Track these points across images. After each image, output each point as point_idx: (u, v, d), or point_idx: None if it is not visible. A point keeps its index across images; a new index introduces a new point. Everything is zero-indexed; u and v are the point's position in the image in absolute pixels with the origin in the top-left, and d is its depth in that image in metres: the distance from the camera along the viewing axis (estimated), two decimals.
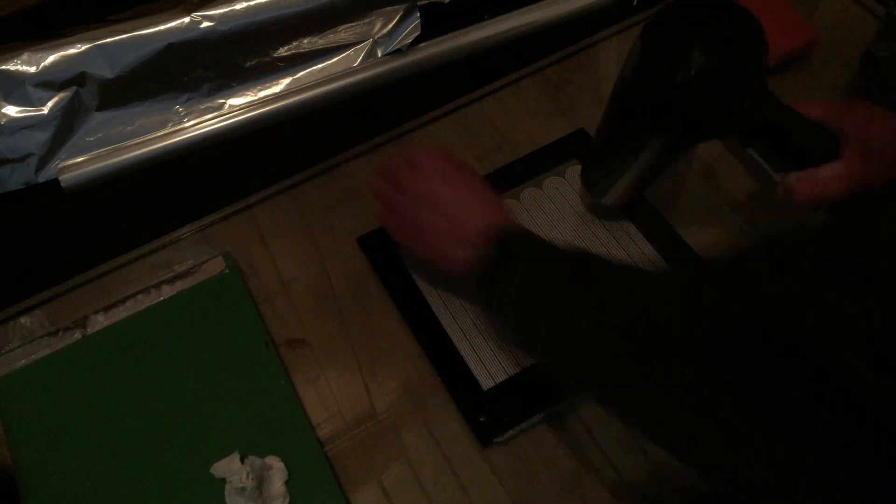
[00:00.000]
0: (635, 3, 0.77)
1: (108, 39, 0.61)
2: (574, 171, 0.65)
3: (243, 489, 0.49)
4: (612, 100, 0.51)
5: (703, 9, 0.44)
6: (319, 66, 0.68)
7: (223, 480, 0.51)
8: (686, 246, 0.60)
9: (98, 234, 0.65)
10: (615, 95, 0.51)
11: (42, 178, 0.62)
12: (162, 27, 0.61)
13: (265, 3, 0.63)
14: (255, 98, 0.67)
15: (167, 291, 0.59)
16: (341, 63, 0.68)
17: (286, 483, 0.51)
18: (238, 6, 0.63)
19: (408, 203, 0.52)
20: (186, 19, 0.62)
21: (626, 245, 0.61)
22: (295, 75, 0.68)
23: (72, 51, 0.60)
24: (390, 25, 0.68)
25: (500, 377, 0.55)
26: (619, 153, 0.54)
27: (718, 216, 0.64)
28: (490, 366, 0.55)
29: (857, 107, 0.49)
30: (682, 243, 0.60)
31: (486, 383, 0.55)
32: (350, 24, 0.68)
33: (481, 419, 0.53)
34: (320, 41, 0.67)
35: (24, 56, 0.60)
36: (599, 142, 0.57)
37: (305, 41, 0.67)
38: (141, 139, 0.64)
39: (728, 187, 0.66)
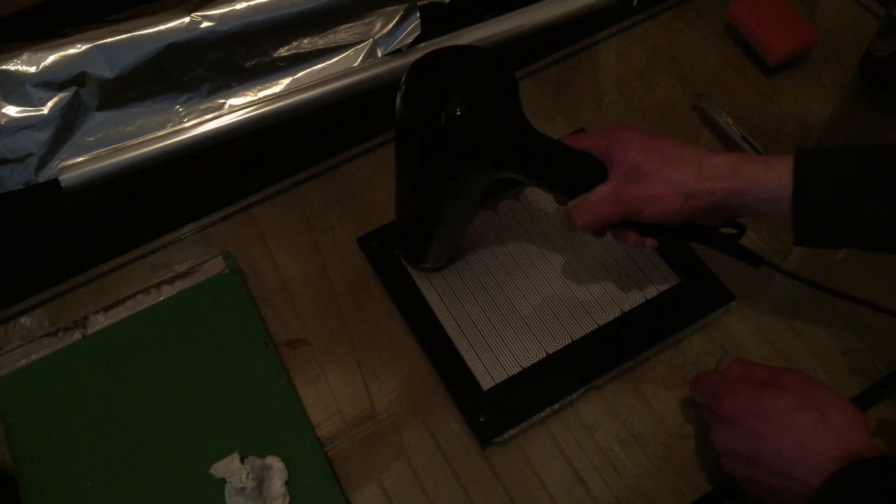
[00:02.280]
0: (635, 3, 0.77)
1: (108, 39, 0.61)
2: (505, 203, 0.65)
3: (243, 489, 0.49)
4: (397, 172, 0.52)
5: (455, 58, 0.47)
6: (319, 66, 0.68)
7: (223, 480, 0.51)
8: (688, 249, 0.60)
9: (98, 234, 0.65)
10: (397, 160, 0.51)
11: (42, 178, 0.62)
12: (162, 27, 0.61)
13: (265, 3, 0.63)
14: (255, 98, 0.67)
15: (167, 291, 0.59)
16: (341, 63, 0.68)
17: (286, 483, 0.51)
18: (238, 6, 0.63)
19: (752, 419, 0.45)
20: (186, 19, 0.62)
21: (626, 245, 0.61)
22: (295, 75, 0.68)
23: (72, 51, 0.60)
24: (390, 25, 0.68)
25: (500, 377, 0.55)
26: (419, 220, 0.54)
27: None
28: (490, 366, 0.55)
29: (619, 131, 0.49)
30: (685, 247, 0.60)
31: (486, 383, 0.55)
32: (350, 24, 0.68)
33: (481, 419, 0.53)
34: (320, 41, 0.67)
35: (24, 56, 0.60)
36: (400, 217, 0.57)
37: (305, 41, 0.67)
38: (141, 139, 0.64)
39: None
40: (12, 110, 0.60)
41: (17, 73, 0.60)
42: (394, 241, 0.61)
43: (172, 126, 0.65)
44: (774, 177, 0.46)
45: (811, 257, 0.55)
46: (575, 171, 0.50)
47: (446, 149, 0.46)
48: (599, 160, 0.50)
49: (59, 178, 0.62)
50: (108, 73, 0.61)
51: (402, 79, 0.45)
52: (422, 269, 0.60)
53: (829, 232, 0.46)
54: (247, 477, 0.49)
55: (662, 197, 0.47)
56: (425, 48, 0.69)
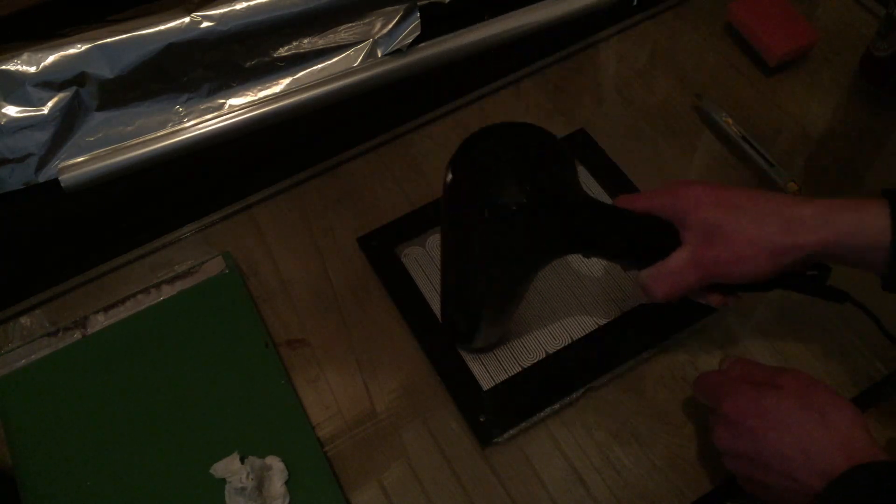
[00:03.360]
0: (635, 3, 0.77)
1: (108, 39, 0.61)
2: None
3: (243, 489, 0.49)
4: (444, 258, 0.49)
5: (507, 137, 0.42)
6: (319, 66, 0.68)
7: (223, 480, 0.51)
8: None
9: (98, 234, 0.65)
10: (444, 250, 0.48)
11: (42, 178, 0.62)
12: (162, 27, 0.61)
13: (265, 3, 0.63)
14: (255, 98, 0.67)
15: (167, 291, 0.59)
16: (341, 63, 0.68)
17: (286, 483, 0.51)
18: (238, 6, 0.63)
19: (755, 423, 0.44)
20: (186, 19, 0.62)
21: None
22: (295, 75, 0.68)
23: (72, 51, 0.60)
24: (390, 25, 0.68)
25: (500, 377, 0.55)
26: (468, 307, 0.50)
27: None
28: (490, 366, 0.55)
29: (686, 187, 0.46)
30: None
31: (486, 383, 0.55)
32: (350, 24, 0.68)
33: (481, 419, 0.53)
34: (320, 41, 0.67)
35: (24, 56, 0.60)
36: (448, 303, 0.53)
37: (305, 41, 0.67)
38: (141, 139, 0.64)
39: (698, 156, 0.66)
40: (12, 110, 0.60)
41: (17, 73, 0.60)
42: (440, 325, 0.57)
43: (172, 126, 0.65)
44: (870, 224, 0.42)
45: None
46: (646, 241, 0.46)
47: (507, 241, 0.42)
48: (668, 223, 0.46)
49: (59, 178, 0.62)
50: (108, 73, 0.61)
51: (450, 162, 0.41)
52: (471, 350, 0.56)
53: None
54: (247, 477, 0.49)
55: (749, 258, 0.44)
56: (425, 48, 0.69)
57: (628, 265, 0.49)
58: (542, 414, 0.54)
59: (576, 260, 0.60)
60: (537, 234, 0.43)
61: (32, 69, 0.60)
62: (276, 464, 0.51)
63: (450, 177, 0.41)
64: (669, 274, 0.46)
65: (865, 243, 0.43)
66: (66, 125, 0.62)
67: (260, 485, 0.50)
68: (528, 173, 0.41)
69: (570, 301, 0.58)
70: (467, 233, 0.43)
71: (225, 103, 0.66)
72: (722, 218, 0.45)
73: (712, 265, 0.45)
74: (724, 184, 0.47)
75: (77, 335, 0.57)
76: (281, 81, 0.67)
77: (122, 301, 0.59)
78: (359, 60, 0.69)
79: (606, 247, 0.46)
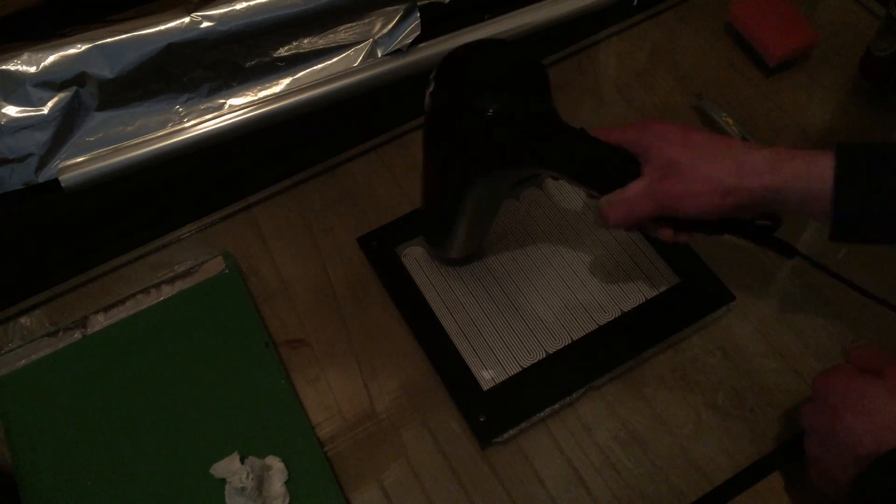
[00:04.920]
0: (635, 3, 0.78)
1: (108, 39, 0.61)
2: (529, 192, 0.65)
3: (243, 489, 0.49)
4: (424, 158, 0.52)
5: (486, 52, 0.46)
6: (319, 66, 0.68)
7: (223, 480, 0.51)
8: (688, 248, 0.60)
9: (98, 234, 0.65)
10: (425, 152, 0.51)
11: (42, 178, 0.62)
12: (162, 27, 0.61)
13: (265, 3, 0.63)
14: (255, 98, 0.67)
15: (167, 291, 0.59)
16: (341, 63, 0.68)
17: (286, 483, 0.51)
18: (238, 6, 0.63)
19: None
20: (186, 19, 0.62)
21: (626, 244, 0.61)
22: (295, 75, 0.68)
23: (72, 51, 0.60)
24: (390, 25, 0.68)
25: (500, 377, 0.55)
26: (446, 209, 0.53)
27: None
28: (490, 366, 0.55)
29: (654, 125, 0.49)
30: (685, 247, 0.60)
31: (486, 383, 0.55)
32: (350, 24, 0.68)
33: (481, 419, 0.53)
34: (320, 41, 0.67)
35: (24, 56, 0.60)
36: (426, 208, 0.57)
37: (305, 41, 0.67)
38: (141, 139, 0.64)
39: None
40: (12, 110, 0.60)
41: (17, 73, 0.60)
42: (416, 230, 0.61)
43: (172, 126, 0.65)
44: (817, 174, 0.44)
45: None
46: (608, 167, 0.49)
47: (477, 146, 0.45)
48: (633, 155, 0.49)
49: (59, 178, 0.62)
50: (108, 73, 0.61)
51: (433, 73, 0.45)
52: (446, 259, 0.60)
53: (868, 228, 0.45)
54: (247, 477, 0.50)
55: (699, 194, 0.46)
56: (425, 48, 0.69)
57: (591, 191, 0.51)
58: (542, 414, 0.54)
59: (576, 259, 0.60)
60: (509, 143, 0.45)
61: (32, 69, 0.60)
62: (276, 464, 0.51)
63: (433, 85, 0.45)
64: (625, 201, 0.48)
65: (810, 191, 0.45)
66: (66, 125, 0.62)
67: (260, 485, 0.50)
68: (506, 83, 0.44)
69: (571, 301, 0.58)
70: (446, 138, 0.46)
71: (225, 103, 0.66)
72: (680, 155, 0.47)
73: (665, 198, 0.47)
74: (691, 125, 0.49)
75: (77, 335, 0.57)
76: (281, 81, 0.67)
77: (122, 301, 0.59)
78: (359, 60, 0.69)
79: (571, 167, 0.49)
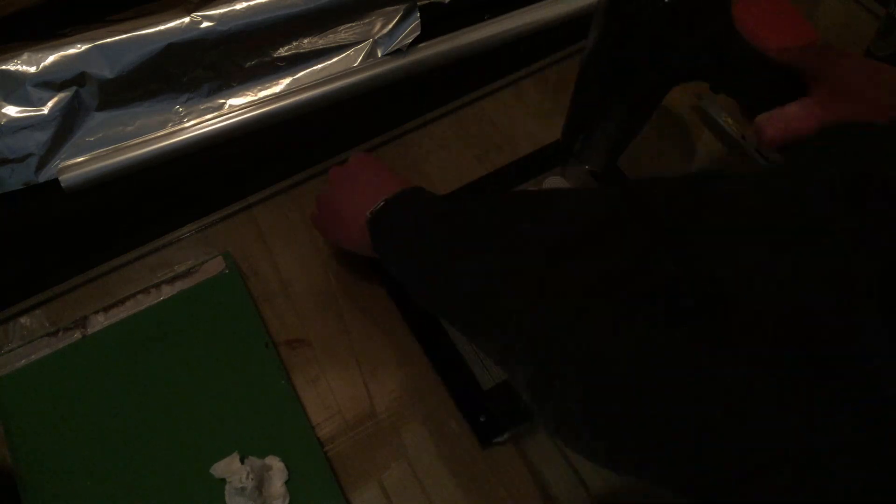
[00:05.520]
0: None
1: (108, 39, 0.61)
2: (574, 171, 0.65)
3: (243, 489, 0.49)
4: (587, 58, 0.52)
5: None
6: (319, 66, 0.68)
7: (223, 480, 0.51)
8: None
9: (98, 234, 0.65)
10: (589, 54, 0.52)
11: (42, 178, 0.62)
12: (162, 27, 0.61)
13: (265, 3, 0.63)
14: (255, 98, 0.67)
15: (167, 291, 0.59)
16: (341, 63, 0.68)
17: (286, 483, 0.51)
18: (238, 6, 0.63)
19: (328, 191, 0.56)
20: (186, 19, 0.62)
21: None
22: (295, 75, 0.68)
23: (72, 51, 0.60)
24: (390, 25, 0.68)
25: (501, 377, 0.55)
26: (598, 111, 0.54)
27: None
28: (490, 366, 0.55)
29: (829, 48, 0.48)
30: None
31: (486, 383, 0.55)
32: (350, 24, 0.68)
33: (481, 419, 0.53)
34: (320, 41, 0.67)
35: (24, 56, 0.60)
36: (577, 106, 0.57)
37: (305, 41, 0.67)
38: (141, 139, 0.64)
39: (698, 156, 0.66)
40: (12, 110, 0.60)
41: (17, 73, 0.60)
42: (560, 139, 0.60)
43: (172, 126, 0.65)
44: None
45: None
46: (772, 84, 0.48)
47: (651, 37, 0.45)
48: (800, 75, 0.48)
49: (59, 178, 0.62)
50: (108, 73, 0.61)
51: None
52: (588, 165, 0.60)
53: None
54: (247, 477, 0.49)
55: (865, 118, 0.44)
56: (425, 48, 0.69)
57: (748, 106, 0.50)
58: None
59: None
60: (678, 40, 0.46)
61: (32, 69, 0.60)
62: (276, 464, 0.51)
63: None
64: (785, 119, 0.47)
65: None
66: (66, 125, 0.62)
67: (260, 485, 0.50)
68: None
69: None
70: (616, 30, 0.47)
71: (225, 103, 0.66)
72: (853, 79, 0.45)
73: (828, 118, 0.45)
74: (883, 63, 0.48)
75: (77, 335, 0.57)
76: (281, 81, 0.67)
77: (122, 301, 0.59)
78: (359, 60, 0.69)
79: (734, 75, 0.49)
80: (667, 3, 0.44)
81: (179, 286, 0.60)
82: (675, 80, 0.50)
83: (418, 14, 0.68)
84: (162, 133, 0.64)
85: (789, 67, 0.48)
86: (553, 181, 0.65)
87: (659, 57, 0.47)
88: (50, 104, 0.61)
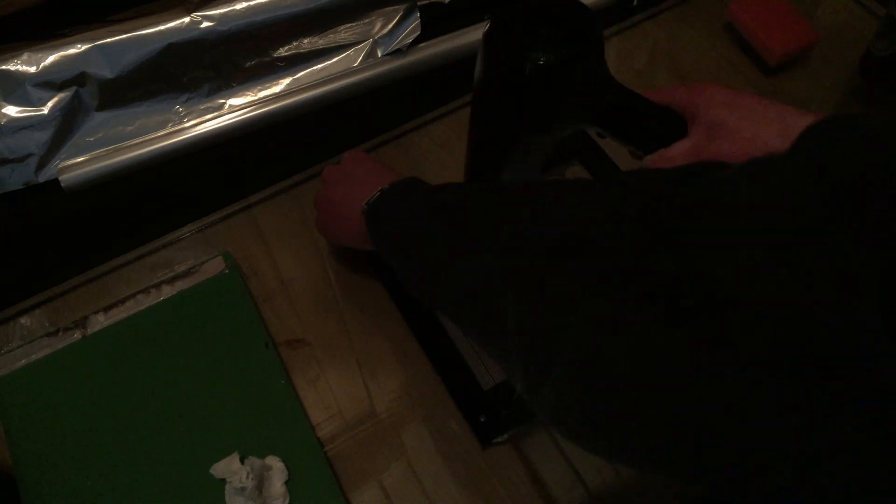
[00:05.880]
0: (635, 3, 0.77)
1: (108, 39, 0.61)
2: (573, 171, 0.65)
3: (243, 489, 0.49)
4: (472, 113, 0.52)
5: (541, 7, 0.46)
6: (319, 66, 0.68)
7: (223, 480, 0.51)
8: None
9: (98, 234, 0.65)
10: (472, 107, 0.52)
11: (42, 178, 0.62)
12: (162, 27, 0.61)
13: (265, 3, 0.63)
14: (255, 98, 0.67)
15: (167, 291, 0.59)
16: (341, 63, 0.68)
17: (286, 483, 0.51)
18: (238, 6, 0.63)
19: (323, 190, 0.57)
20: (186, 19, 0.62)
21: None
22: (295, 75, 0.68)
23: (72, 51, 0.60)
24: (390, 25, 0.68)
25: (501, 377, 0.55)
26: (489, 160, 0.54)
27: None
28: (490, 366, 0.55)
29: (704, 87, 0.49)
30: None
31: (486, 383, 0.55)
32: (350, 24, 0.68)
33: (481, 419, 0.53)
34: (320, 41, 0.67)
35: (24, 56, 0.60)
36: (471, 157, 0.57)
37: (305, 41, 0.67)
38: (141, 139, 0.64)
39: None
40: (12, 110, 0.60)
41: (17, 73, 0.60)
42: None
43: (172, 126, 0.65)
44: None
45: None
46: (654, 126, 0.49)
47: (530, 99, 0.45)
48: (681, 115, 0.48)
49: (59, 178, 0.62)
50: (108, 73, 0.61)
51: (487, 27, 0.45)
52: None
53: None
54: (247, 477, 0.50)
55: (743, 156, 0.46)
56: (425, 48, 0.69)
57: (636, 149, 0.51)
58: None
59: None
60: (557, 95, 0.46)
61: (32, 69, 0.60)
62: (276, 464, 0.51)
63: (485, 40, 0.46)
64: (669, 160, 0.48)
65: None
66: (66, 125, 0.62)
67: (260, 485, 0.50)
68: (560, 37, 0.45)
69: None
70: (495, 94, 0.47)
71: (225, 103, 0.66)
72: (728, 116, 0.46)
73: (710, 158, 0.46)
74: (742, 90, 0.49)
75: (77, 335, 0.57)
76: (281, 81, 0.67)
77: (122, 301, 0.59)
78: (359, 60, 0.69)
79: (618, 124, 0.49)
80: (542, 65, 0.43)
81: (179, 286, 0.60)
82: (562, 130, 0.50)
83: (418, 14, 0.68)
84: (162, 133, 0.64)
85: (668, 109, 0.49)
86: (574, 171, 0.64)
87: (539, 116, 0.47)
88: (50, 104, 0.61)
